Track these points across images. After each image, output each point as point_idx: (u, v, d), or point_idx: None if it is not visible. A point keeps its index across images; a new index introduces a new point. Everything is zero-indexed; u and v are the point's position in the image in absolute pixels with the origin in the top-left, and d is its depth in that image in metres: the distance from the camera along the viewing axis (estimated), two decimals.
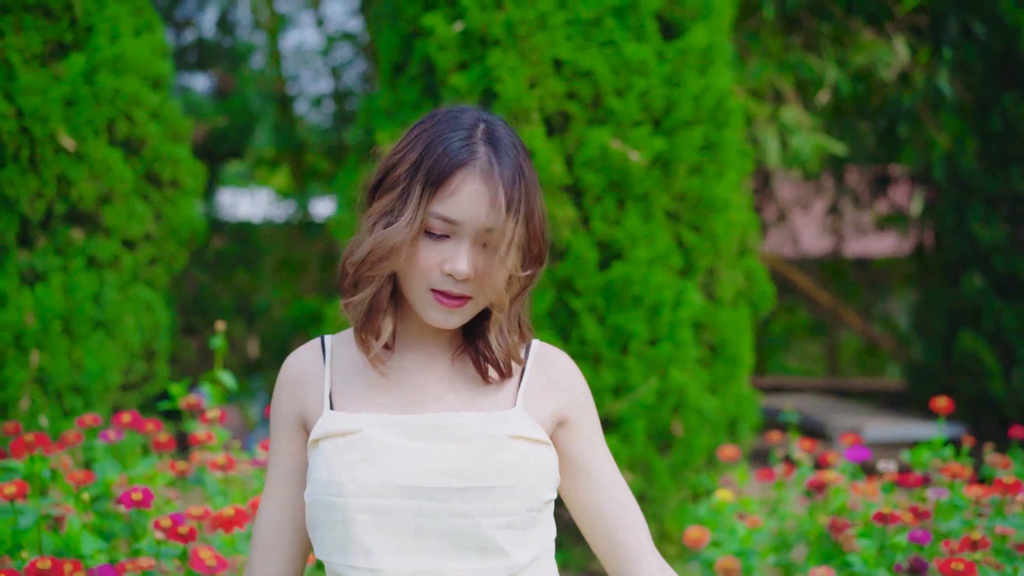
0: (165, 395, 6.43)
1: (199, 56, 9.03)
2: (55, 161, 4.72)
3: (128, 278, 5.03)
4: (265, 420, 4.72)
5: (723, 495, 3.74)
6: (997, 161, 7.62)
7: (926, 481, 3.44)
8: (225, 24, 9.33)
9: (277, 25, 9.75)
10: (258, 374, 8.25)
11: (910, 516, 3.08)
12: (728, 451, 4.03)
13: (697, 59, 4.95)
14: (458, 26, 4.83)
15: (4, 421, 4.59)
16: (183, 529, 2.46)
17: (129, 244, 5.04)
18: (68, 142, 4.73)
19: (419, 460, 1.60)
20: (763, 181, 10.45)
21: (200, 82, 9.70)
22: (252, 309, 8.50)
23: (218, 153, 8.15)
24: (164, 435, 3.48)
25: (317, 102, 10.15)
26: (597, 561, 5.10)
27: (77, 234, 4.87)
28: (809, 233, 11.98)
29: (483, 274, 1.61)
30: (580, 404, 1.74)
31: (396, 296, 1.71)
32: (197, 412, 3.71)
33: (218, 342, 3.86)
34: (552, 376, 1.73)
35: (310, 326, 8.35)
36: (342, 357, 1.73)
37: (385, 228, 1.61)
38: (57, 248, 4.83)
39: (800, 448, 3.82)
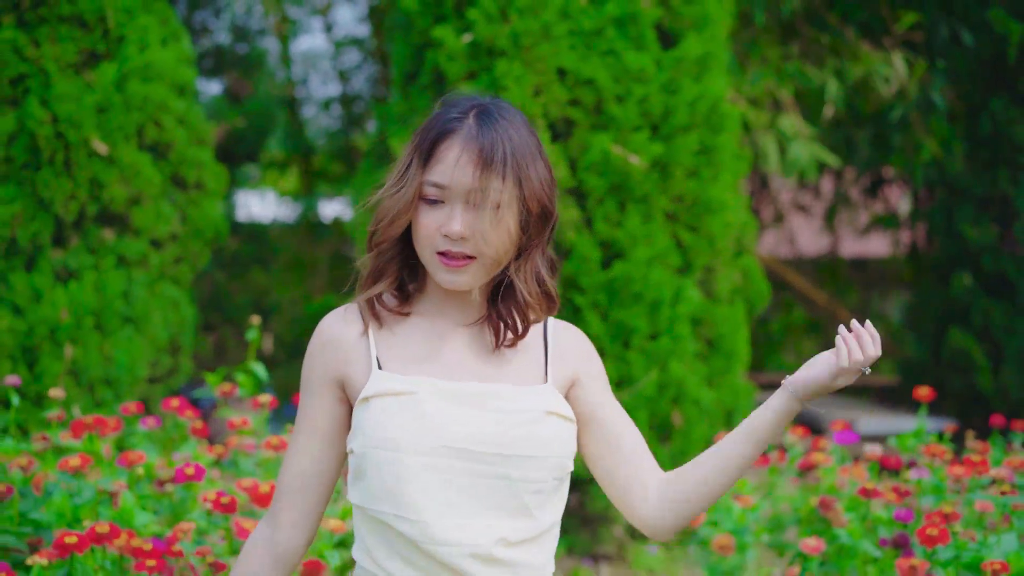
0: (188, 388, 6.69)
1: (214, 62, 9.30)
2: (88, 165, 4.98)
3: (155, 276, 5.29)
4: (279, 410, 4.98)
5: None
6: (986, 164, 7.90)
7: (910, 465, 3.70)
8: (240, 31, 9.61)
9: (288, 31, 10.01)
10: (273, 370, 8.50)
11: (894, 495, 3.34)
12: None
13: (693, 67, 5.21)
14: (467, 38, 5.09)
15: (39, 411, 4.85)
16: (225, 499, 2.72)
17: (156, 243, 5.30)
18: (100, 147, 4.99)
19: (467, 425, 1.74)
20: (760, 183, 10.71)
21: (214, 87, 9.96)
22: (267, 307, 8.76)
23: (235, 156, 8.41)
24: (199, 423, 3.75)
25: (326, 105, 10.41)
26: (601, 545, 5.36)
27: (108, 234, 5.13)
28: (806, 235, 12.25)
29: (477, 233, 1.73)
30: (588, 365, 1.89)
31: (423, 274, 1.85)
32: (233, 400, 3.98)
33: (253, 334, 4.13)
34: (562, 348, 1.88)
35: None
36: (379, 323, 1.85)
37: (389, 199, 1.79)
38: (89, 247, 5.09)
39: (792, 434, 4.07)
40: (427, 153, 1.77)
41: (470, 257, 1.75)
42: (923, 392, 3.92)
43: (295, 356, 8.81)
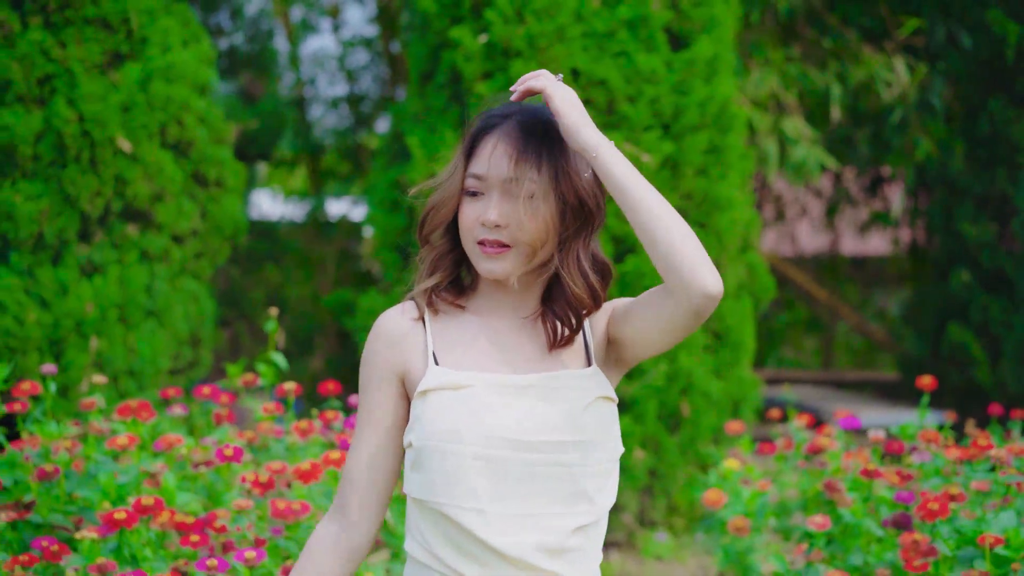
0: (207, 380, 6.82)
1: (228, 63, 9.44)
2: (113, 162, 5.13)
3: (176, 271, 5.44)
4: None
5: (730, 464, 4.15)
6: (984, 163, 8.06)
7: (912, 450, 3.85)
8: (253, 32, 9.76)
9: (299, 32, 10.16)
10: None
11: (896, 479, 3.49)
12: (734, 426, 4.44)
13: (703, 69, 5.37)
14: (483, 38, 5.24)
15: (66, 402, 5.00)
16: (263, 477, 2.87)
17: (177, 239, 5.45)
18: (125, 145, 5.14)
19: (522, 416, 1.79)
20: (762, 182, 10.87)
21: (227, 88, 10.09)
22: (279, 303, 8.91)
23: (248, 155, 8.56)
24: (225, 410, 3.90)
25: (334, 104, 10.55)
26: (611, 532, 5.50)
27: (131, 230, 5.27)
28: (807, 233, 12.42)
29: (513, 222, 1.80)
30: (608, 308, 1.91)
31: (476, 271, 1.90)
32: (254, 389, 4.12)
33: (271, 326, 4.28)
34: (593, 324, 1.92)
35: (343, 316, 8.76)
36: (436, 321, 1.89)
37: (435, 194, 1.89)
38: (113, 242, 5.23)
39: (797, 422, 4.22)
40: (469, 148, 1.87)
41: (506, 246, 1.81)
42: (925, 381, 4.07)
43: (306, 352, 8.97)
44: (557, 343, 1.86)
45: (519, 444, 1.78)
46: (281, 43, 10.28)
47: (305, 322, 8.96)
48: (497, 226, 1.80)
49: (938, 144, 8.07)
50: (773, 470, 4.43)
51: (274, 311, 4.37)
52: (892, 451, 3.78)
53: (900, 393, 9.35)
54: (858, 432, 4.44)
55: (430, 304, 1.89)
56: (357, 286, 9.76)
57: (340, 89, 10.78)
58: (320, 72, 10.76)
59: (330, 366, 8.99)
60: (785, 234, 12.02)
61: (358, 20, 15.95)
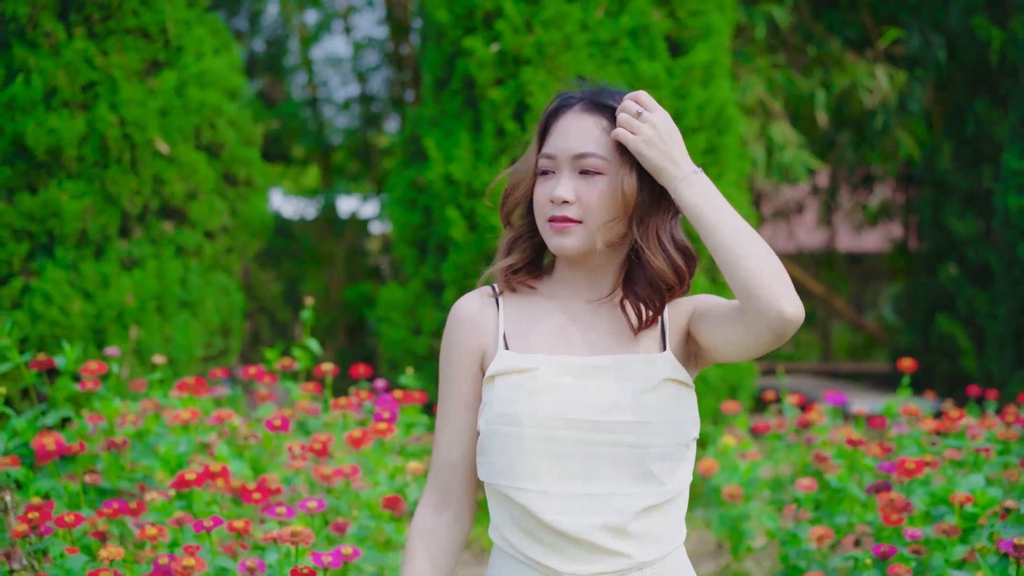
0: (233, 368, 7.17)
1: (248, 67, 9.81)
2: (151, 163, 5.49)
3: (208, 264, 5.81)
4: None
5: (727, 440, 4.52)
6: (970, 162, 8.45)
7: (894, 425, 4.22)
8: (272, 37, 10.13)
9: (312, 35, 10.52)
10: None
11: (878, 450, 3.86)
12: (731, 405, 4.81)
13: (700, 74, 5.73)
14: (495, 47, 5.61)
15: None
16: (317, 444, 3.23)
17: (209, 235, 5.82)
18: (163, 147, 5.50)
19: (586, 396, 1.78)
20: (749, 185, 11.24)
21: (248, 91, 10.45)
22: (297, 297, 9.28)
23: (268, 156, 8.93)
24: (267, 390, 4.27)
25: (346, 105, 10.91)
26: None
27: (168, 226, 5.64)
28: (807, 231, 12.81)
29: (582, 198, 1.81)
30: (693, 301, 1.90)
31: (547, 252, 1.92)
32: (291, 374, 4.48)
33: (307, 314, 4.64)
34: (674, 308, 1.90)
35: (364, 308, 9.13)
36: (509, 304, 1.90)
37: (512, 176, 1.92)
38: (151, 238, 5.60)
39: (790, 399, 4.59)
40: (543, 130, 1.88)
41: (575, 221, 1.81)
42: (906, 364, 4.44)
43: (322, 342, 9.32)
44: (642, 325, 1.84)
45: (580, 423, 1.77)
46: (294, 46, 10.65)
47: (317, 316, 9.33)
48: (565, 202, 1.80)
49: (919, 145, 8.46)
50: (768, 447, 4.80)
51: (309, 300, 4.73)
52: (875, 426, 4.15)
53: (893, 383, 9.70)
54: (846, 417, 4.80)
55: (506, 279, 1.90)
56: (366, 282, 10.13)
57: (351, 90, 11.13)
58: (332, 73, 11.12)
59: (340, 359, 9.30)
60: (784, 232, 12.40)
61: (367, 23, 16.27)
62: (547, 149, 1.84)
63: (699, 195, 1.77)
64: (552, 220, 1.82)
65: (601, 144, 1.82)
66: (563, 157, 1.82)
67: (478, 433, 1.85)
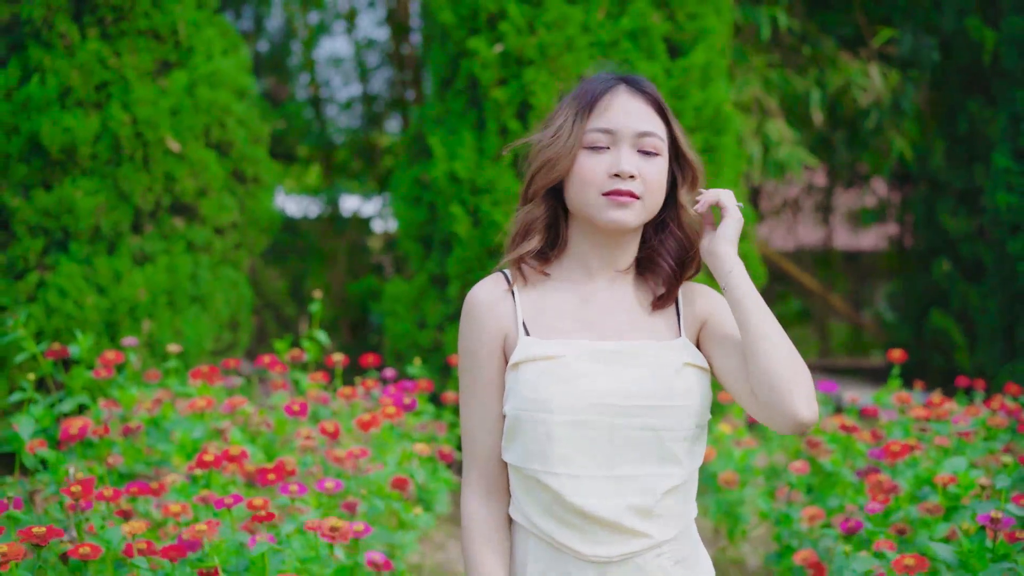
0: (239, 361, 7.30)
1: (254, 67, 9.95)
2: (163, 161, 5.64)
3: (218, 260, 5.95)
4: None
5: (723, 428, 4.67)
6: (963, 161, 8.60)
7: (885, 413, 4.37)
8: (277, 38, 10.27)
9: (314, 34, 10.67)
10: None
11: (869, 436, 4.01)
12: (727, 395, 4.95)
13: (698, 75, 5.88)
14: (498, 48, 5.75)
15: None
16: (330, 427, 3.38)
17: (219, 231, 5.96)
18: (174, 145, 5.65)
19: (611, 382, 1.82)
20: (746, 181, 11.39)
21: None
22: (302, 293, 9.43)
23: (274, 155, 9.06)
24: (279, 379, 4.41)
25: (348, 105, 11.06)
26: None
27: (179, 222, 5.78)
28: (805, 229, 12.96)
29: (645, 175, 1.85)
30: (710, 305, 1.95)
31: (564, 237, 1.94)
32: (300, 364, 4.63)
33: (315, 307, 4.79)
34: (690, 301, 1.96)
35: (370, 301, 9.28)
36: (523, 291, 1.93)
37: (547, 151, 1.88)
38: (162, 234, 5.74)
39: None
40: (589, 107, 1.88)
41: (636, 196, 1.85)
42: (896, 355, 4.59)
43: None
44: (661, 299, 1.92)
45: (609, 409, 1.81)
46: (297, 47, 10.80)
47: (321, 313, 9.47)
48: (631, 176, 1.83)
49: (911, 143, 8.61)
50: (763, 436, 4.95)
51: (318, 294, 4.88)
52: (867, 413, 4.30)
53: (887, 377, 9.86)
54: (840, 409, 4.94)
55: (519, 269, 1.92)
56: (368, 278, 10.27)
57: (353, 90, 11.27)
58: (335, 74, 11.26)
59: (344, 354, 9.41)
60: (782, 230, 12.55)
61: (368, 23, 16.42)
62: (603, 124, 1.86)
63: (746, 281, 1.86)
64: (614, 193, 1.84)
65: (658, 126, 1.88)
66: (625, 133, 1.85)
67: (498, 416, 1.90)
